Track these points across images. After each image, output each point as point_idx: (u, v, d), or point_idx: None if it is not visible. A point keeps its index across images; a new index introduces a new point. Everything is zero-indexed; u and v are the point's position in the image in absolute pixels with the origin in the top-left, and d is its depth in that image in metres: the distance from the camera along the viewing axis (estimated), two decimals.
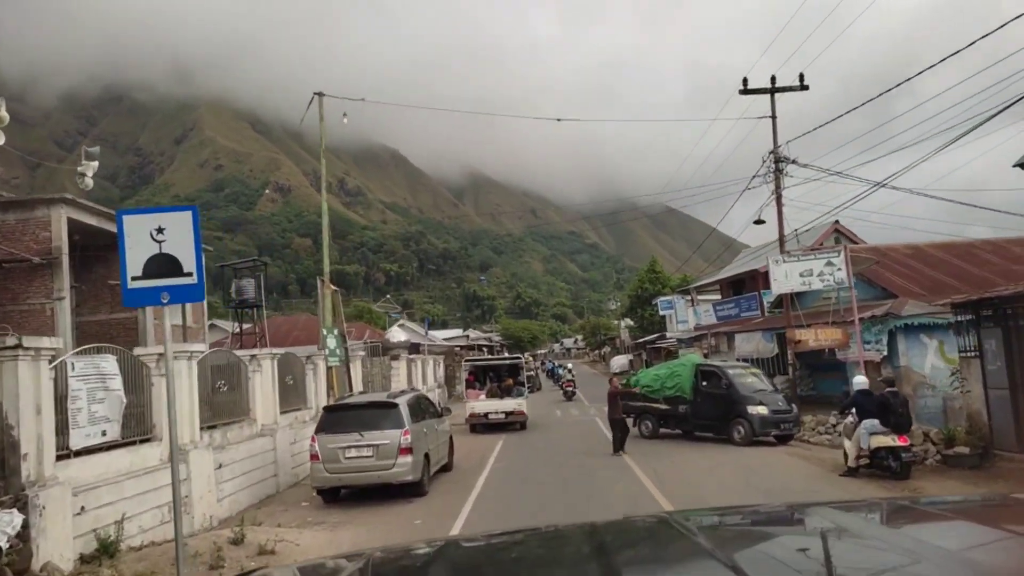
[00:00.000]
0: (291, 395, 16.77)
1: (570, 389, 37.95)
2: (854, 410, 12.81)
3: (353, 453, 12.55)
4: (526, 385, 25.37)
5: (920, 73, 14.70)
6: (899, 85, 17.14)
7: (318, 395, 17.88)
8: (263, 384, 14.98)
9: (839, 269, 20.17)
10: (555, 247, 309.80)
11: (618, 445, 17.26)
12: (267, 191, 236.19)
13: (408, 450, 12.56)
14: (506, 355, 52.87)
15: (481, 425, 23.77)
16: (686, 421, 19.22)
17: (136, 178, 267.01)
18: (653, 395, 19.64)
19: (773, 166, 21.55)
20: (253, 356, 14.94)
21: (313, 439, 12.79)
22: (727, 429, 17.79)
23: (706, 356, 32.84)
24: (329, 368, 17.18)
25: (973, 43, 12.14)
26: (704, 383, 18.76)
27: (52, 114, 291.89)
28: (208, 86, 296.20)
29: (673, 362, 21.40)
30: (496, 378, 26.15)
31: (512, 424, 23.82)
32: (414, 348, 35.78)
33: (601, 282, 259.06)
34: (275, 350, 16.65)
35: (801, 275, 20.25)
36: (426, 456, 13.47)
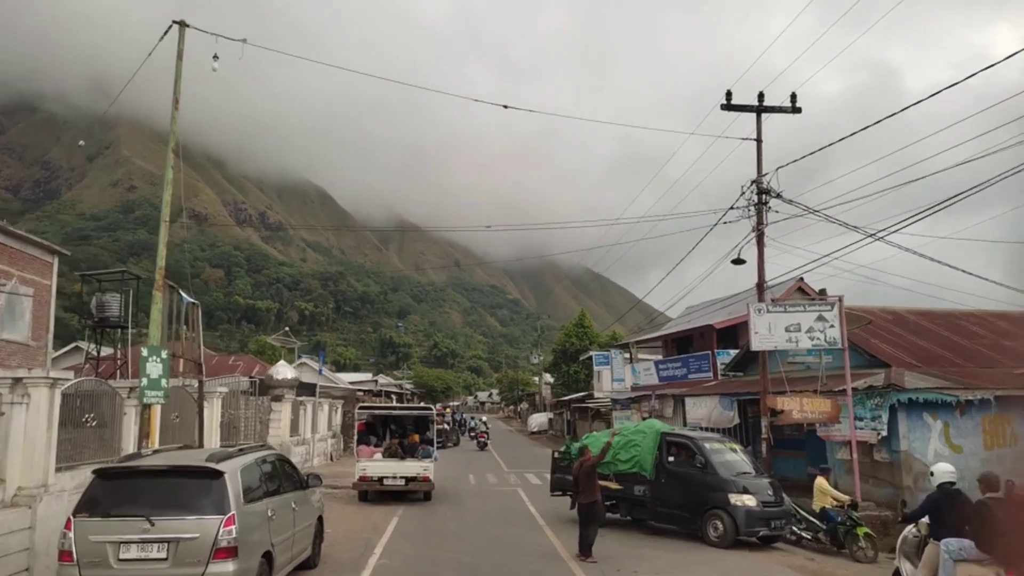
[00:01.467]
0: (89, 444, 11.43)
1: (483, 440, 42.31)
2: (926, 519, 8.58)
3: (134, 553, 7.45)
4: (435, 444, 20.20)
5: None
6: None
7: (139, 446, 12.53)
8: (30, 425, 9.67)
9: (831, 326, 16.49)
10: (476, 299, 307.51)
11: (586, 545, 11.88)
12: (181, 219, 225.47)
13: (230, 551, 7.55)
14: (413, 404, 47.34)
15: (374, 492, 18.59)
16: (643, 507, 14.60)
17: (41, 192, 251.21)
18: (601, 470, 14.83)
19: (755, 198, 17.84)
20: (17, 380, 9.66)
21: (68, 524, 7.61)
22: (700, 523, 13.27)
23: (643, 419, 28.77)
24: (146, 407, 11.87)
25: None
26: (671, 459, 14.18)
27: None
28: (128, 104, 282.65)
29: (629, 427, 16.61)
30: (398, 432, 21.01)
31: (414, 493, 18.77)
32: (308, 390, 30.29)
33: (519, 338, 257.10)
34: (86, 378, 11.40)
35: (787, 329, 16.45)
36: (267, 556, 8.46)
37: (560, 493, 16.69)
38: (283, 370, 26.20)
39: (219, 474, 8.00)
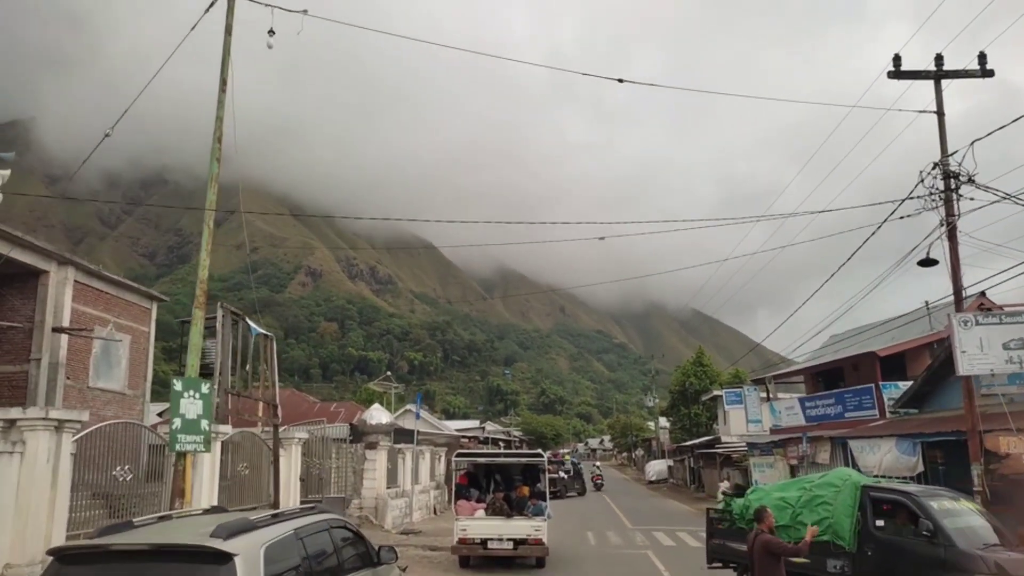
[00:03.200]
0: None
1: (599, 481, 46.79)
2: None
3: None
4: (548, 497, 16.96)
5: None
6: None
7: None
8: (25, 481, 7.41)
9: None
10: (582, 345, 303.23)
11: None
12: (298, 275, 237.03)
13: None
14: (521, 451, 44.09)
15: (477, 557, 15.59)
16: None
17: (174, 257, 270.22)
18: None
19: (940, 185, 14.04)
20: (10, 423, 7.44)
21: None
22: None
23: (792, 468, 24.41)
24: (180, 456, 9.43)
25: None
26: (879, 523, 10.07)
27: (99, 193, 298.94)
28: (248, 170, 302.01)
29: (812, 478, 11.97)
30: (503, 484, 18.01)
31: (524, 559, 15.64)
32: (408, 437, 27.88)
33: (628, 383, 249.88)
34: (115, 420, 9.20)
35: (1007, 347, 12.45)
36: None
37: (720, 565, 12.81)
38: (377, 414, 23.90)
39: (227, 557, 5.29)
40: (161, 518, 6.51)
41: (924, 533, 9.33)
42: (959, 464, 17.14)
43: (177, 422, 9.41)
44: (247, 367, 14.79)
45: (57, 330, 18.47)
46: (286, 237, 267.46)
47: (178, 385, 9.59)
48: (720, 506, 12.92)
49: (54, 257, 17.84)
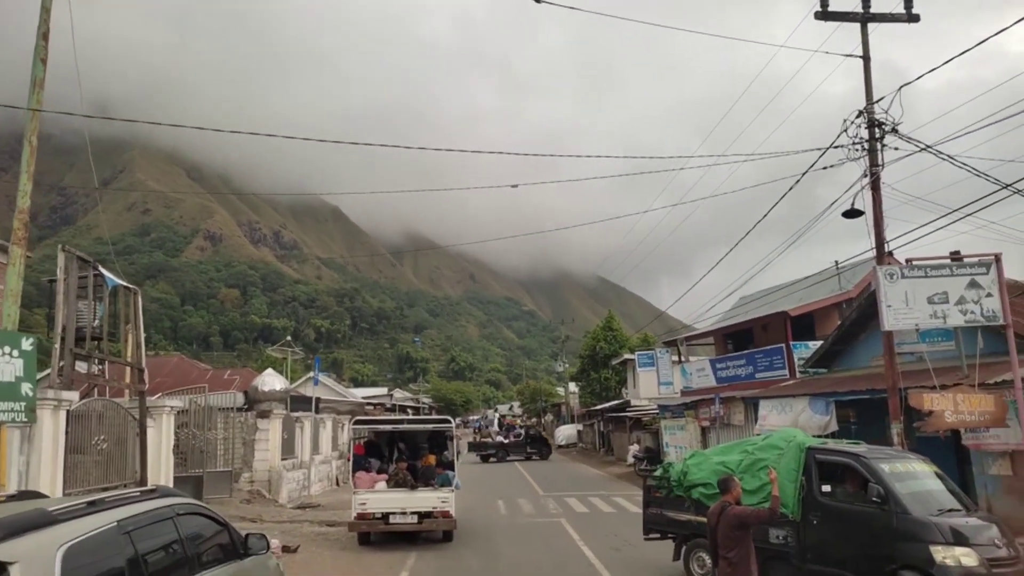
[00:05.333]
0: None
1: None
2: None
3: None
4: (456, 465, 15.70)
5: None
6: None
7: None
8: None
9: (988, 294, 12.10)
10: (492, 312, 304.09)
11: None
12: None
13: None
14: (427, 416, 43.34)
15: (377, 534, 14.26)
16: (784, 562, 9.35)
17: (57, 218, 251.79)
18: (706, 500, 9.98)
19: (865, 134, 13.48)
20: None
21: None
22: None
23: (703, 430, 24.21)
24: None
25: None
26: (826, 488, 9.10)
27: None
28: (139, 127, 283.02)
29: (755, 441, 10.74)
30: (409, 453, 16.69)
31: (430, 533, 14.44)
32: (308, 405, 26.09)
33: (537, 349, 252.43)
34: None
35: (931, 300, 12.04)
36: None
37: (658, 536, 11.73)
38: (271, 380, 22.02)
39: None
40: None
41: (873, 499, 8.40)
42: (872, 423, 17.06)
43: None
44: (104, 324, 12.79)
45: None
46: (182, 199, 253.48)
47: None
48: (658, 472, 11.85)
49: None
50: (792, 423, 18.05)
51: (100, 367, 13.96)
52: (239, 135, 21.48)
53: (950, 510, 8.43)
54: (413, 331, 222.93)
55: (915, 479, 8.91)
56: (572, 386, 65.38)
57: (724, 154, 17.34)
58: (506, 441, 45.92)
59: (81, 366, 13.49)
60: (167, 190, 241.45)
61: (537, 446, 44.40)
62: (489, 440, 47.12)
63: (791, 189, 14.47)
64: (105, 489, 12.11)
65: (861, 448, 9.59)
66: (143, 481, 12.63)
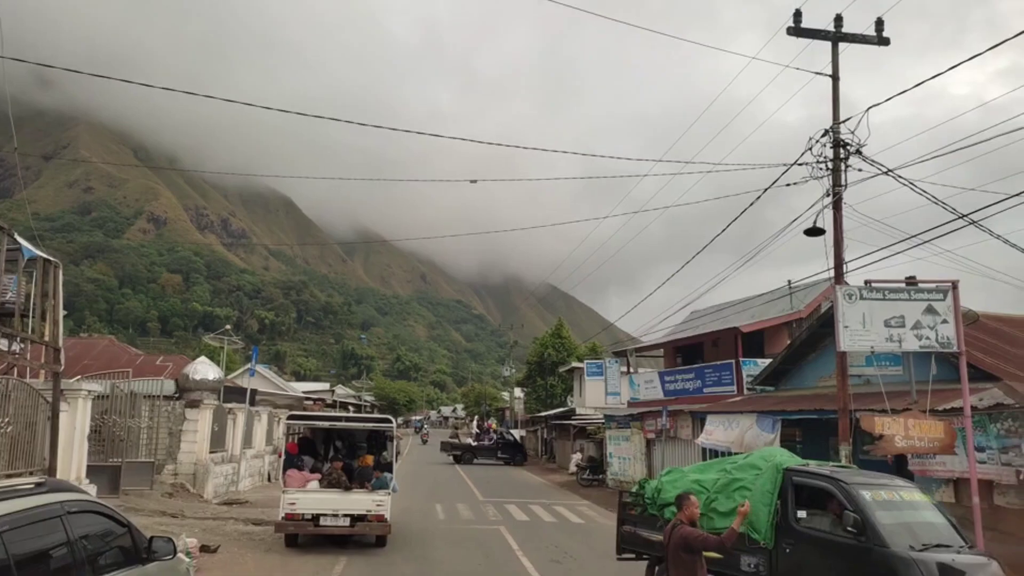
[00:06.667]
0: None
1: (425, 438, 60.02)
2: None
3: None
4: (394, 467, 14.97)
5: None
6: None
7: None
8: None
9: (944, 321, 12.02)
10: (441, 314, 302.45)
11: None
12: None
13: None
14: (366, 415, 41.92)
15: (306, 536, 13.49)
16: None
17: None
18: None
19: (830, 154, 13.38)
20: None
21: None
22: None
23: (648, 443, 24.01)
24: None
25: None
26: (801, 514, 8.34)
27: None
28: (86, 103, 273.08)
29: (735, 459, 10.05)
30: (346, 452, 15.94)
31: (362, 537, 13.74)
32: (243, 396, 24.99)
33: (485, 353, 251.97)
34: None
35: (888, 324, 11.90)
36: None
37: (633, 556, 10.76)
38: (203, 369, 20.92)
39: None
40: None
41: (848, 528, 7.55)
42: (817, 443, 17.05)
43: None
44: (19, 299, 11.79)
45: None
46: (127, 179, 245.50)
47: None
48: (634, 489, 11.11)
49: None
50: (738, 439, 17.94)
51: (22, 346, 12.94)
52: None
53: (939, 545, 7.50)
54: (360, 328, 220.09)
55: (901, 508, 8.05)
56: (518, 391, 65.02)
57: (691, 161, 17.11)
58: (474, 444, 44.18)
59: (2, 344, 12.47)
60: (112, 168, 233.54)
61: (510, 452, 42.54)
62: (457, 440, 45.49)
63: (755, 201, 14.29)
64: (9, 476, 11.11)
65: (843, 471, 8.87)
66: (51, 469, 11.65)
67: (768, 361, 20.78)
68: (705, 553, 6.85)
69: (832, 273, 13.74)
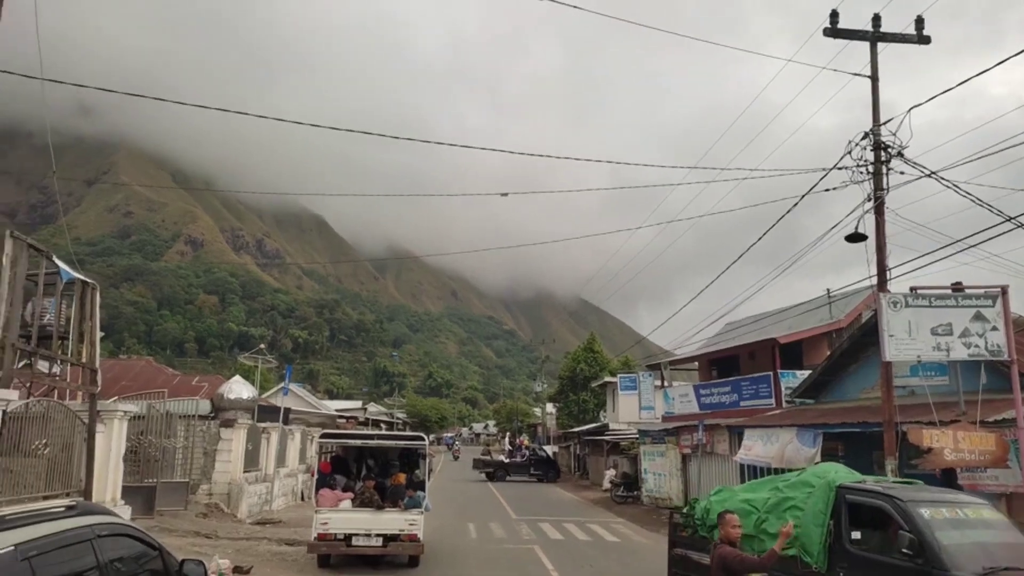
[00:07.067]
0: None
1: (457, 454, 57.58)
2: None
3: None
4: (426, 485, 14.76)
5: None
6: None
7: None
8: None
9: (993, 328, 11.57)
10: (472, 330, 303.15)
11: None
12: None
13: None
14: (398, 432, 41.54)
15: (338, 557, 13.36)
16: None
17: (37, 217, 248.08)
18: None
19: (871, 157, 13.01)
20: None
21: None
22: None
23: (684, 458, 23.52)
24: None
25: None
26: (855, 535, 7.76)
27: None
28: (126, 130, 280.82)
29: (785, 478, 9.46)
30: (378, 470, 15.82)
31: (395, 557, 13.56)
32: (273, 415, 25.12)
33: (516, 369, 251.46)
34: None
35: (934, 332, 11.48)
36: None
37: None
38: (237, 388, 21.06)
39: None
40: None
41: (904, 550, 6.98)
42: (860, 457, 16.47)
43: None
44: (59, 321, 11.93)
45: None
46: (165, 203, 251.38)
47: None
48: (684, 509, 10.71)
49: None
50: (778, 454, 17.45)
51: (61, 367, 13.11)
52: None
53: (1008, 568, 6.78)
54: (392, 345, 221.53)
55: (967, 528, 7.40)
56: (549, 407, 64.57)
57: (726, 168, 16.84)
58: (507, 461, 43.70)
59: (43, 366, 12.63)
60: (151, 192, 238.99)
61: (543, 468, 42.09)
62: (489, 458, 45.08)
63: (794, 207, 13.95)
64: (47, 498, 11.18)
65: (901, 488, 8.20)
66: (87, 491, 11.69)
67: (807, 373, 20.24)
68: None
69: (874, 280, 13.28)
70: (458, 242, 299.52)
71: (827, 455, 16.79)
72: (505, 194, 15.92)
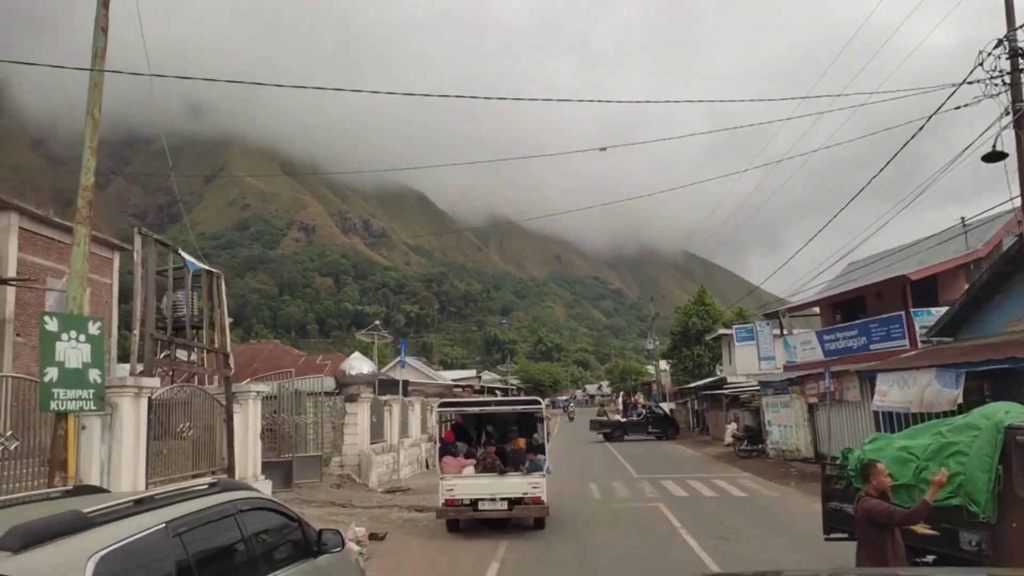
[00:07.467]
0: None
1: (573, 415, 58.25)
2: None
3: None
4: (546, 448, 14.78)
5: None
6: None
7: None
8: None
9: None
10: (578, 292, 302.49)
11: None
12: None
13: None
14: (514, 398, 41.75)
15: (466, 521, 13.71)
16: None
17: (164, 216, 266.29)
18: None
19: (1006, 66, 11.72)
20: None
21: None
22: None
23: (811, 407, 22.58)
24: (61, 416, 7.31)
25: None
26: None
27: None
28: (236, 125, 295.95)
29: (949, 422, 8.57)
30: (497, 436, 16.07)
31: (521, 520, 13.77)
32: (392, 388, 26.03)
33: (625, 328, 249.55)
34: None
35: None
36: None
37: (845, 536, 8.97)
38: (358, 364, 21.90)
39: None
40: None
41: None
42: (1010, 397, 15.18)
43: (52, 373, 7.22)
44: (191, 311, 12.68)
45: (1, 282, 16.23)
46: (277, 192, 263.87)
47: (51, 324, 7.32)
48: (837, 460, 10.01)
49: None
50: (916, 398, 16.39)
51: (198, 355, 14.04)
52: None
53: None
54: (500, 313, 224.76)
55: None
56: (663, 364, 63.69)
57: (841, 94, 15.74)
58: (623, 420, 43.49)
59: (181, 354, 13.54)
60: (263, 184, 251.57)
61: (661, 426, 41.60)
62: (605, 418, 45.09)
63: (920, 130, 12.82)
64: (195, 476, 12.02)
65: None
66: (230, 467, 12.49)
67: (943, 310, 18.80)
68: (916, 529, 5.99)
69: (1017, 202, 12.09)
70: (558, 205, 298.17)
71: (971, 396, 15.62)
72: (603, 148, 15.57)
